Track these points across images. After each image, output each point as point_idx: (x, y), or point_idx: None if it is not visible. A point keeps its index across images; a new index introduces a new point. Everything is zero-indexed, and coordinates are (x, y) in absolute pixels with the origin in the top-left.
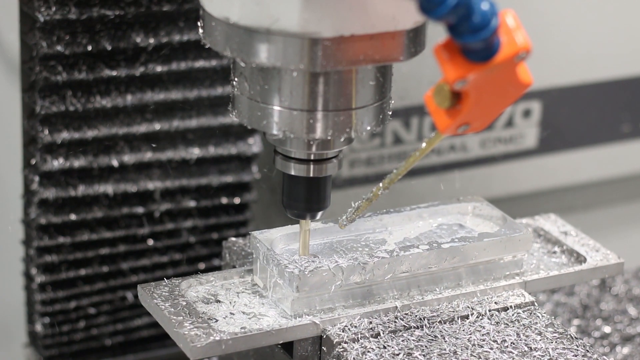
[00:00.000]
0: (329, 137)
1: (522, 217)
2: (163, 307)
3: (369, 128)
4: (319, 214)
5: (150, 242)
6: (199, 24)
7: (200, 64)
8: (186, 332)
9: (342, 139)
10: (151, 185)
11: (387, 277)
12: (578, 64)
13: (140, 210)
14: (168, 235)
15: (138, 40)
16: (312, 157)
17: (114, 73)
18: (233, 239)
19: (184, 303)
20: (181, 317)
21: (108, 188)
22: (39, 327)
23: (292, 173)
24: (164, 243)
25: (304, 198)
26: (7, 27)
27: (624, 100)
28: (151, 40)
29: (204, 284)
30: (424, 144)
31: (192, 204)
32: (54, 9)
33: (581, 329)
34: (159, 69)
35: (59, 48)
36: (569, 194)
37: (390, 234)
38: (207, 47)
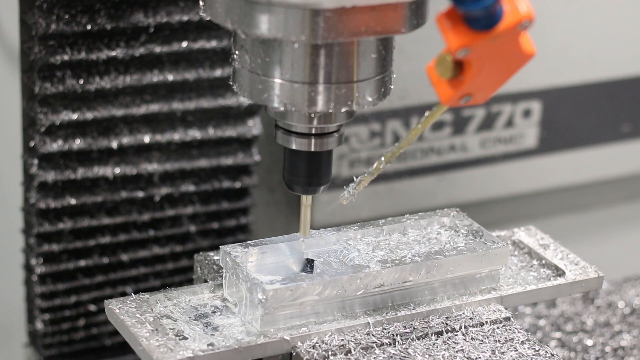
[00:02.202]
0: (330, 110)
1: (521, 217)
2: (130, 323)
3: (370, 100)
4: (320, 189)
5: (151, 232)
6: None
7: (200, 44)
8: (152, 349)
9: (343, 113)
10: (151, 167)
11: (359, 292)
12: (578, 64)
13: (140, 194)
14: (168, 223)
15: (138, 20)
16: (313, 131)
17: (113, 53)
18: (205, 252)
19: (151, 319)
20: (148, 334)
21: (107, 171)
22: (39, 325)
23: (294, 147)
24: (164, 232)
25: (305, 173)
26: (7, 6)
27: (624, 100)
28: (151, 20)
29: (173, 299)
30: (426, 116)
31: (191, 187)
32: None
33: (561, 342)
34: (158, 49)
35: (58, 27)
36: (569, 194)
37: (364, 247)
38: (207, 20)
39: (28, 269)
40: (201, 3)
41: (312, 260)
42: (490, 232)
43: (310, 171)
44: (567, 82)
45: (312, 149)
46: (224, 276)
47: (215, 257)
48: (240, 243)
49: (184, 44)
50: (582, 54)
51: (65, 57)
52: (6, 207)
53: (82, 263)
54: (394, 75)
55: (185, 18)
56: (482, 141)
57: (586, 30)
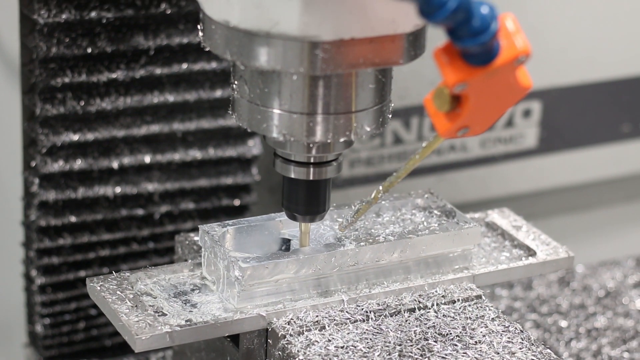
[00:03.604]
0: (328, 140)
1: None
2: (110, 299)
3: (368, 130)
4: (319, 217)
5: (151, 244)
6: (199, 27)
7: (200, 66)
8: (131, 325)
9: (342, 142)
10: (151, 187)
11: (334, 270)
12: (578, 64)
13: (140, 212)
14: (168, 237)
15: (138, 42)
16: (312, 160)
17: (114, 75)
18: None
19: (131, 296)
20: (127, 310)
21: (108, 190)
22: (39, 328)
23: (292, 176)
24: (164, 245)
25: (304, 201)
26: (7, 29)
27: (624, 100)
28: (151, 43)
29: (153, 277)
30: (423, 147)
31: (191, 206)
32: (53, 11)
33: (537, 323)
34: (158, 71)
35: (58, 50)
36: (569, 194)
37: (339, 227)
38: (206, 49)
39: (28, 278)
40: (200, 34)
41: (289, 240)
42: (463, 214)
43: (309, 199)
44: (567, 82)
45: (311, 178)
46: (202, 255)
47: (195, 238)
48: (219, 222)
49: (184, 66)
50: (582, 54)
51: (66, 80)
52: (7, 218)
53: (82, 274)
54: (392, 105)
55: (185, 40)
56: (482, 141)
57: (586, 30)
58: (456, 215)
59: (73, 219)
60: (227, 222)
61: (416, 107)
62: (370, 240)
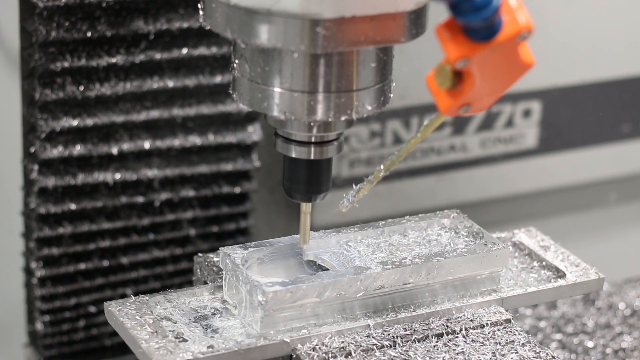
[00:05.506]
0: (329, 119)
1: (521, 217)
2: (129, 325)
3: (370, 109)
4: (320, 197)
5: (151, 236)
6: (199, 5)
7: (200, 51)
8: (152, 351)
9: (343, 121)
10: (151, 173)
11: (359, 294)
12: (578, 64)
13: (140, 199)
14: (168, 227)
15: (138, 27)
16: (313, 140)
17: (114, 60)
18: (204, 254)
19: (151, 321)
20: (147, 336)
21: (107, 176)
22: (39, 326)
23: (293, 155)
24: (164, 236)
25: (305, 181)
26: (7, 13)
27: (624, 100)
28: (151, 27)
29: (173, 301)
30: (425, 125)
31: (191, 193)
32: None
33: (562, 343)
34: (158, 56)
35: (58, 34)
36: (569, 194)
37: (364, 249)
38: (207, 29)
39: (28, 271)
40: (201, 13)
41: (313, 262)
42: (490, 234)
43: (309, 179)
44: (567, 82)
45: (312, 157)
46: (223, 278)
47: (215, 259)
48: (240, 245)
49: (184, 51)
50: (582, 54)
51: (66, 64)
52: (6, 210)
53: (82, 266)
54: (394, 84)
55: (185, 25)
56: (482, 141)
57: (586, 30)
58: (484, 236)
59: (73, 206)
60: (248, 244)
61: (416, 107)
62: (397, 263)
